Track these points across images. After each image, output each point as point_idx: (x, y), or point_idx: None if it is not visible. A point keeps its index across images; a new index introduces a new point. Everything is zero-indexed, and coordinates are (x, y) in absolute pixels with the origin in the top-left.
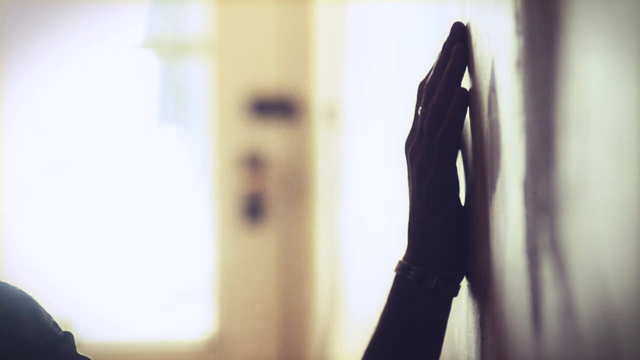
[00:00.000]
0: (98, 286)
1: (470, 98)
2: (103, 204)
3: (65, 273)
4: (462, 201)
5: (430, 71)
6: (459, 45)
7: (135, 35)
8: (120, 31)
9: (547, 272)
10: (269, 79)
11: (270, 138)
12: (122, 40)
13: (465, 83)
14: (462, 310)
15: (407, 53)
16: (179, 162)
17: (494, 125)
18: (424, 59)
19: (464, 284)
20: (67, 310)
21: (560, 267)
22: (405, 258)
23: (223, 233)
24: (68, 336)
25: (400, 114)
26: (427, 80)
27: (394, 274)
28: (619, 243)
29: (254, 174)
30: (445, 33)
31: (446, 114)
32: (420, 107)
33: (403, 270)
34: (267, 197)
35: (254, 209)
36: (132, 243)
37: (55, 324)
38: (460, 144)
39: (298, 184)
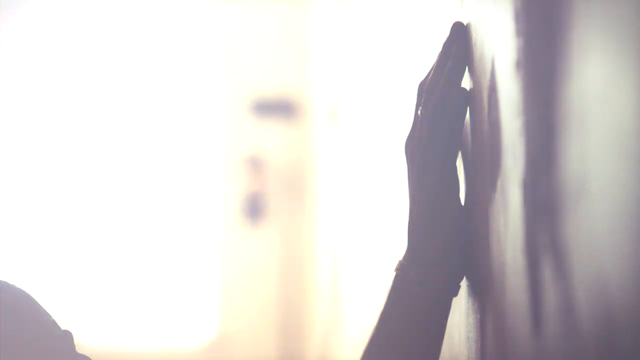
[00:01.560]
0: (98, 287)
1: (470, 98)
2: (103, 205)
3: (64, 273)
4: (462, 201)
5: (431, 71)
6: (459, 45)
7: (137, 35)
8: (122, 31)
9: (547, 272)
10: (269, 79)
11: (271, 138)
12: (123, 40)
13: (465, 83)
14: (462, 310)
15: (407, 53)
16: (179, 163)
17: (494, 125)
18: (424, 59)
19: (464, 284)
20: (67, 312)
21: (560, 267)
22: (405, 258)
23: (223, 233)
24: (67, 335)
25: (400, 114)
26: (427, 80)
27: (393, 274)
28: (619, 243)
29: (254, 174)
30: (445, 33)
31: (446, 114)
32: (420, 107)
33: (403, 270)
34: (267, 197)
35: (254, 209)
36: (132, 244)
37: (55, 323)
38: (460, 144)
39: (298, 184)
